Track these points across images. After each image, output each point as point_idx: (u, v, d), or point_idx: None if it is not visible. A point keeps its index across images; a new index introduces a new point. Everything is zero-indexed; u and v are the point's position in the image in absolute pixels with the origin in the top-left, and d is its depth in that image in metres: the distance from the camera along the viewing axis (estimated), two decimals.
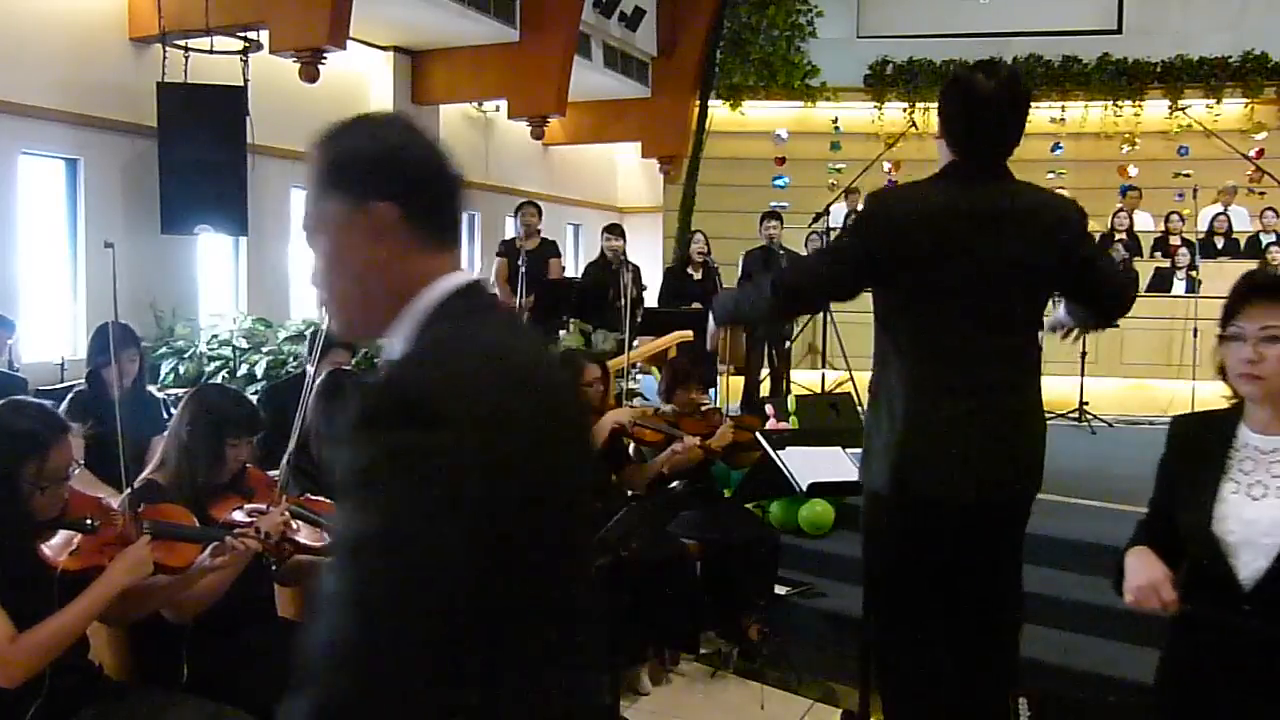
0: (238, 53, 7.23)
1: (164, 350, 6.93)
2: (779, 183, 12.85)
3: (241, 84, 7.18)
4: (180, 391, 5.44)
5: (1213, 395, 2.16)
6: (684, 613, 4.09)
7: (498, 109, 10.99)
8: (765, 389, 7.79)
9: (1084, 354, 7.65)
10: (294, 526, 2.72)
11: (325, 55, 7.42)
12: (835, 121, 12.86)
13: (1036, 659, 3.50)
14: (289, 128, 8.33)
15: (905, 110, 12.43)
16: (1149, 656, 2.19)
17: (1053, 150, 12.37)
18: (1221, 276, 8.22)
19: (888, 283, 2.59)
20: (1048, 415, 2.81)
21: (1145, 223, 10.76)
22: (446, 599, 1.03)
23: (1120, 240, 9.79)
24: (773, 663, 4.21)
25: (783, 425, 5.61)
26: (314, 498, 2.96)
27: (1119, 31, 12.63)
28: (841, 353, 7.15)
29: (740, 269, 8.07)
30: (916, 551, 2.62)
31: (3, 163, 6.67)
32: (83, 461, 3.58)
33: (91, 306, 6.92)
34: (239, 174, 7.03)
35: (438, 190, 1.22)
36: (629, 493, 4.39)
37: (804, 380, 8.07)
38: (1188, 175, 11.56)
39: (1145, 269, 9.30)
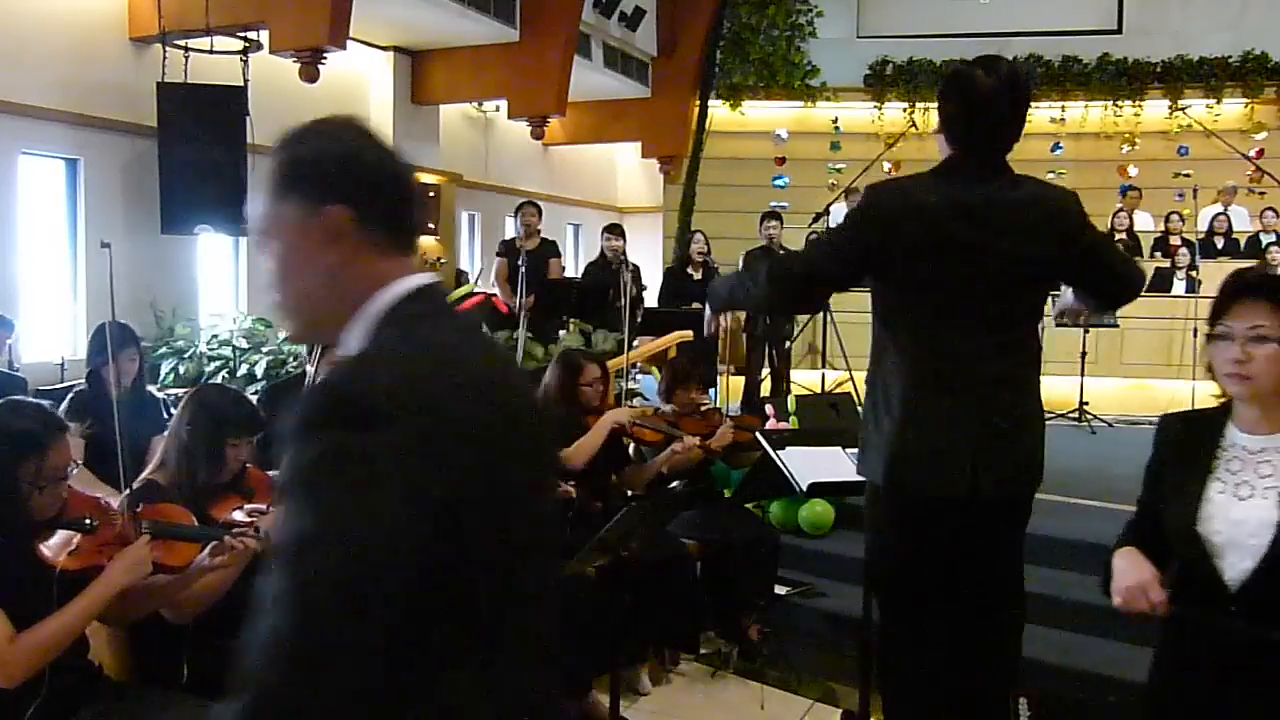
0: (238, 53, 7.24)
1: (164, 350, 6.93)
2: (779, 183, 12.85)
3: (241, 84, 7.18)
4: (180, 391, 5.44)
5: (1213, 395, 2.15)
6: (684, 613, 4.09)
7: (498, 109, 10.99)
8: (765, 389, 7.79)
9: (1084, 354, 7.65)
10: None
11: (325, 55, 7.42)
12: (835, 121, 12.86)
13: (1036, 659, 3.50)
14: (289, 128, 8.35)
15: (905, 110, 12.42)
16: (1149, 656, 2.19)
17: (1053, 150, 12.37)
18: (1221, 276, 8.18)
19: (883, 275, 2.59)
20: (1048, 415, 2.81)
21: (1145, 223, 10.76)
22: (385, 600, 1.03)
23: (1120, 240, 9.78)
24: (773, 663, 4.21)
25: (783, 425, 5.61)
26: None
27: (1119, 31, 12.63)
28: (841, 353, 7.15)
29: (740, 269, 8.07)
30: (915, 546, 2.62)
31: (3, 163, 6.67)
32: (81, 461, 3.58)
33: (91, 306, 6.92)
34: (239, 174, 7.03)
35: (392, 195, 1.22)
36: (629, 493, 4.39)
37: (804, 380, 8.07)
38: (1188, 175, 11.56)
39: (1145, 269, 9.25)
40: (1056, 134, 12.49)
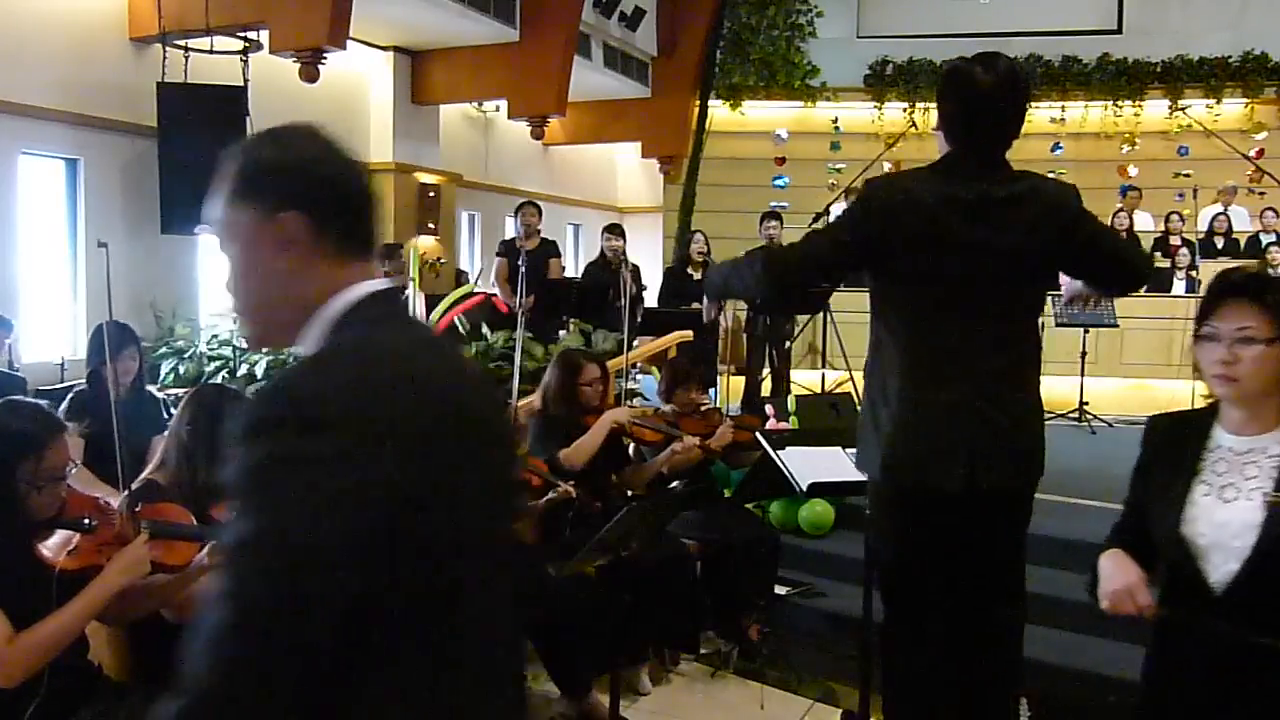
0: (238, 53, 7.23)
1: (164, 350, 6.93)
2: (779, 183, 12.85)
3: (241, 84, 7.17)
4: (180, 391, 5.44)
5: (1202, 395, 2.13)
6: (684, 613, 4.09)
7: (498, 109, 10.99)
8: (765, 389, 7.79)
9: (1084, 354, 7.65)
10: None
11: (325, 55, 7.42)
12: (835, 121, 12.85)
13: (1036, 659, 3.50)
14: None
15: (905, 110, 12.42)
16: None
17: (1053, 150, 12.37)
18: None
19: (882, 270, 2.60)
20: (1048, 415, 2.81)
21: (1145, 223, 10.76)
22: (325, 603, 1.04)
23: None
24: (773, 663, 4.21)
25: (783, 425, 5.61)
26: None
27: (1119, 31, 12.63)
28: (841, 353, 7.15)
29: None
30: (914, 541, 2.62)
31: (3, 163, 6.67)
32: (81, 461, 3.58)
33: (91, 306, 6.92)
34: None
35: (348, 202, 1.24)
36: (629, 493, 4.39)
37: (804, 380, 8.07)
38: (1188, 175, 11.56)
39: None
40: (1056, 134, 12.49)
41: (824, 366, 7.76)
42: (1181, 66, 12.20)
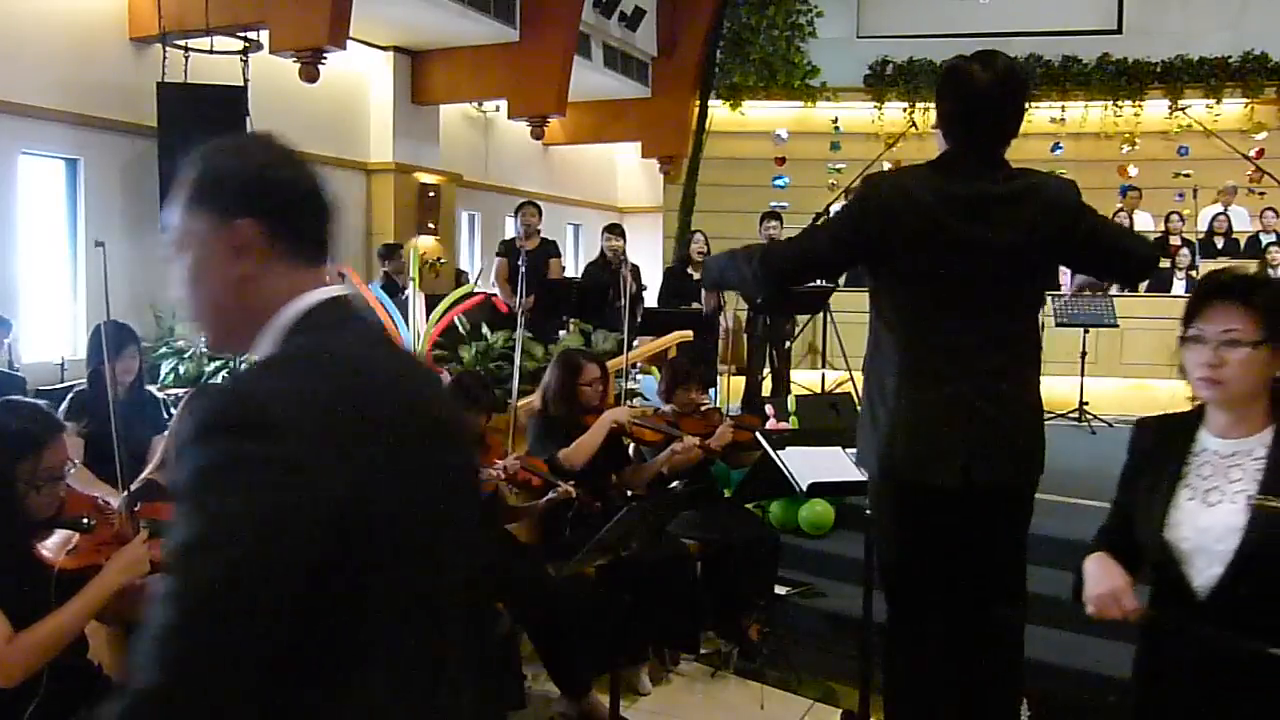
0: (238, 53, 7.24)
1: (164, 350, 6.92)
2: (779, 183, 12.85)
3: (241, 84, 7.18)
4: (180, 391, 5.44)
5: (1186, 398, 2.11)
6: (684, 613, 4.09)
7: (498, 109, 10.99)
8: (766, 389, 7.79)
9: (1084, 354, 7.65)
10: None
11: (325, 55, 7.42)
12: (835, 121, 12.85)
13: (1036, 659, 3.50)
14: (289, 128, 8.29)
15: (905, 110, 12.43)
16: None
17: (1053, 150, 12.37)
18: None
19: (880, 267, 2.60)
20: (1048, 415, 2.80)
21: (1145, 223, 10.77)
22: (269, 606, 1.05)
23: None
24: (773, 663, 4.21)
25: (783, 425, 5.60)
26: None
27: (1119, 31, 12.63)
28: (841, 353, 7.14)
29: None
30: (914, 538, 2.62)
31: (3, 163, 6.67)
32: (80, 460, 3.58)
33: (91, 306, 6.92)
34: None
35: (303, 210, 1.25)
36: (629, 493, 4.39)
37: (804, 380, 8.07)
38: (1188, 175, 11.57)
39: None
40: (1056, 134, 12.49)
41: (824, 366, 7.76)
42: (1181, 66, 12.20)
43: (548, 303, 7.09)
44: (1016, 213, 2.51)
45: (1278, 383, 1.92)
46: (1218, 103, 12.10)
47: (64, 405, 4.15)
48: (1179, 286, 9.21)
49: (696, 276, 8.09)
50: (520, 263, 6.27)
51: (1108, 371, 8.54)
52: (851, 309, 6.45)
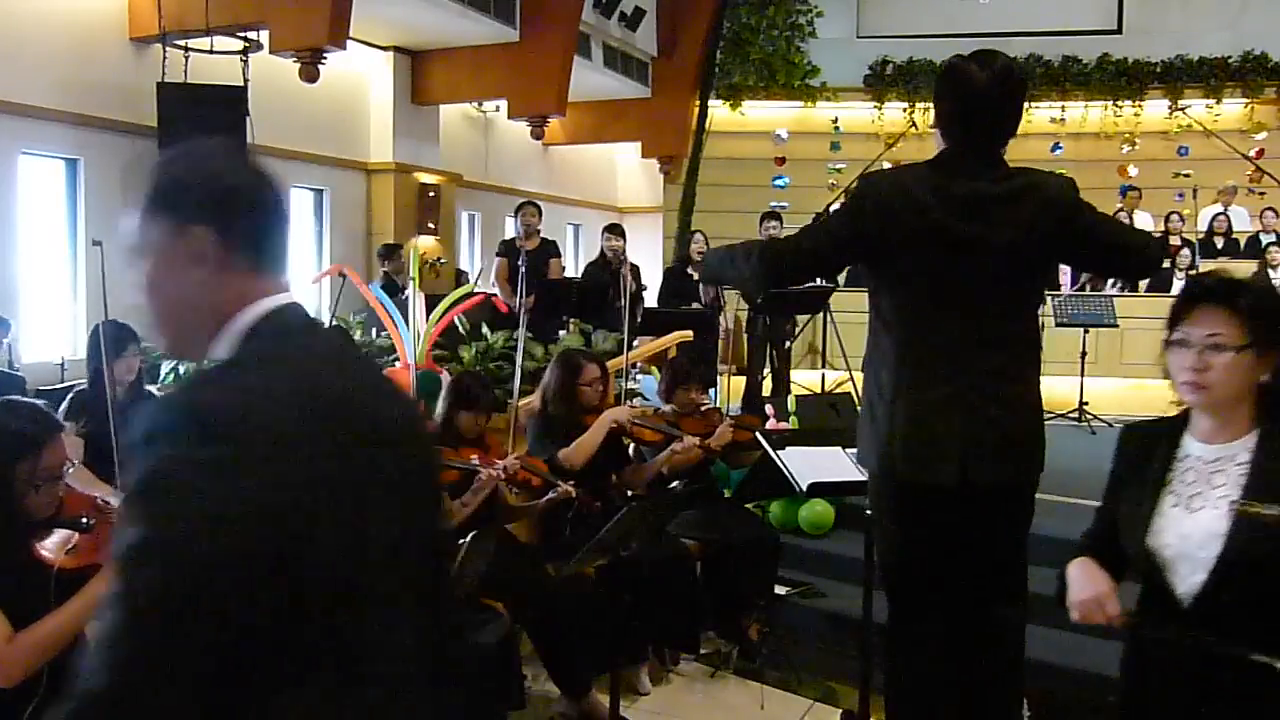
0: (238, 53, 7.24)
1: None
2: (779, 183, 12.85)
3: (241, 84, 7.17)
4: None
5: (1170, 402, 2.08)
6: (684, 613, 4.09)
7: (498, 109, 10.99)
8: (766, 389, 7.79)
9: (1084, 354, 7.65)
10: None
11: (325, 55, 7.42)
12: (835, 121, 12.86)
13: (1036, 659, 3.50)
14: (289, 128, 8.35)
15: (905, 110, 12.43)
16: None
17: (1053, 150, 12.37)
18: None
19: (874, 264, 2.60)
20: (1048, 415, 2.80)
21: (1145, 223, 10.75)
22: (212, 612, 1.06)
23: None
24: (773, 663, 4.21)
25: (783, 425, 5.61)
26: None
27: (1119, 31, 12.64)
28: (841, 353, 7.15)
29: None
30: (913, 536, 2.62)
31: (3, 163, 6.68)
32: (80, 460, 3.58)
33: (91, 306, 6.92)
34: None
35: (258, 217, 1.26)
36: (629, 493, 4.39)
37: (804, 380, 8.07)
38: (1188, 175, 11.58)
39: None
40: (1056, 134, 12.50)
41: (824, 366, 7.76)
42: (1181, 66, 12.21)
43: (548, 303, 7.08)
44: (1014, 211, 2.51)
45: (1262, 387, 1.90)
46: (1218, 103, 12.10)
47: (64, 405, 4.16)
48: (1179, 287, 9.18)
49: (696, 276, 8.09)
50: (520, 263, 6.27)
51: (1108, 371, 8.53)
52: (851, 309, 6.45)
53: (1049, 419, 2.82)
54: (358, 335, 6.10)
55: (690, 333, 6.84)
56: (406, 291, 5.98)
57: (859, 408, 2.89)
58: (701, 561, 4.33)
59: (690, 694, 4.09)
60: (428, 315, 5.65)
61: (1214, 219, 10.47)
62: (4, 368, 5.48)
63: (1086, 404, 7.63)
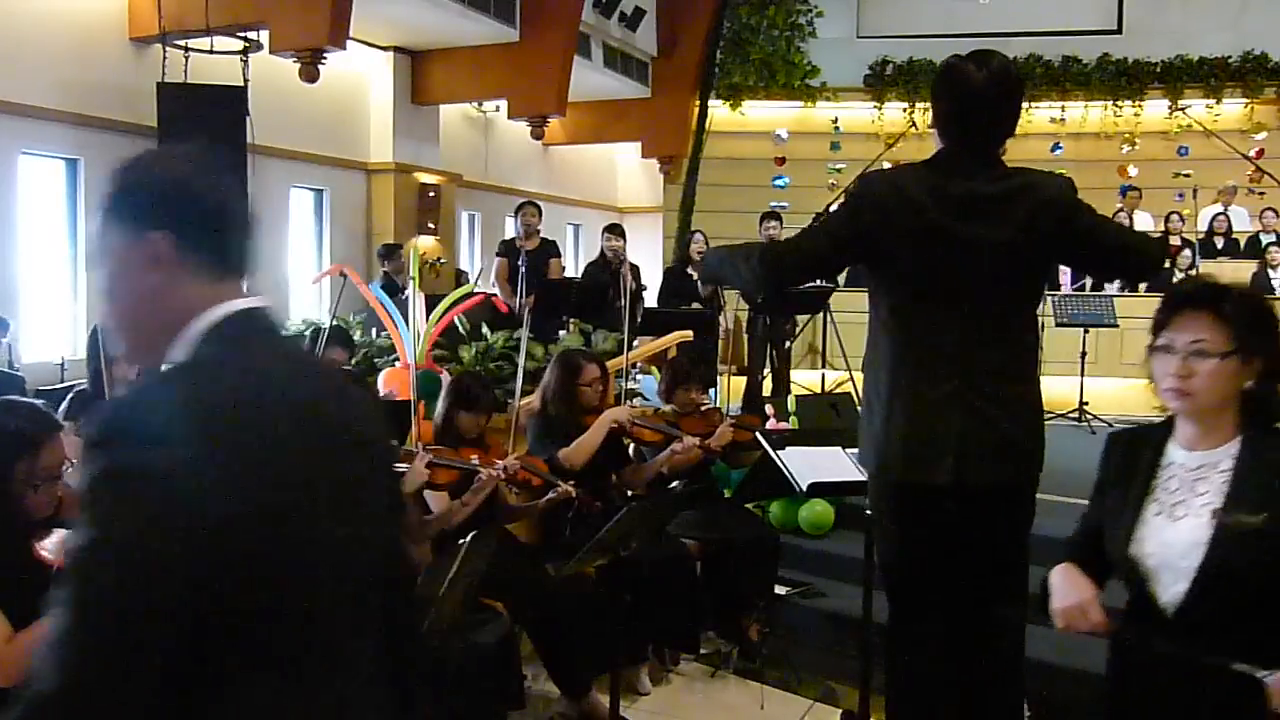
0: (238, 53, 7.24)
1: None
2: (779, 183, 12.85)
3: (241, 84, 7.18)
4: None
5: (1154, 408, 2.06)
6: (684, 613, 4.09)
7: (498, 109, 10.99)
8: (766, 389, 7.79)
9: (1084, 354, 7.65)
10: None
11: (325, 55, 7.42)
12: (835, 121, 12.86)
13: (1036, 659, 3.49)
14: (289, 128, 8.36)
15: (905, 110, 12.43)
16: None
17: (1053, 150, 12.37)
18: (1222, 277, 8.20)
19: (877, 264, 2.60)
20: (1047, 415, 2.80)
21: (1145, 223, 10.76)
22: (160, 614, 1.06)
23: None
24: (773, 663, 4.21)
25: (783, 425, 5.60)
26: None
27: (1119, 31, 12.63)
28: (841, 353, 7.15)
29: None
30: (912, 535, 2.62)
31: (3, 163, 6.68)
32: (79, 460, 3.58)
33: (91, 306, 6.92)
34: (239, 174, 7.01)
35: (218, 223, 1.26)
36: (629, 493, 4.39)
37: (804, 380, 8.07)
38: (1188, 175, 11.57)
39: None
40: (1056, 134, 12.50)
41: (824, 366, 7.76)
42: (1181, 66, 12.21)
43: (548, 303, 7.08)
44: (1012, 211, 2.50)
45: (1246, 394, 1.89)
46: (1217, 103, 12.10)
47: (64, 405, 4.15)
48: None
49: (697, 277, 8.09)
50: (520, 263, 6.28)
51: (1108, 371, 8.53)
52: (851, 309, 6.45)
53: (1049, 419, 2.81)
54: (358, 335, 6.09)
55: (690, 333, 6.84)
56: (406, 291, 5.98)
57: (859, 408, 2.89)
58: (701, 561, 4.33)
59: (690, 694, 4.09)
60: (428, 315, 5.65)
61: (1214, 219, 10.47)
62: (4, 368, 5.48)
63: (1086, 404, 7.63)
